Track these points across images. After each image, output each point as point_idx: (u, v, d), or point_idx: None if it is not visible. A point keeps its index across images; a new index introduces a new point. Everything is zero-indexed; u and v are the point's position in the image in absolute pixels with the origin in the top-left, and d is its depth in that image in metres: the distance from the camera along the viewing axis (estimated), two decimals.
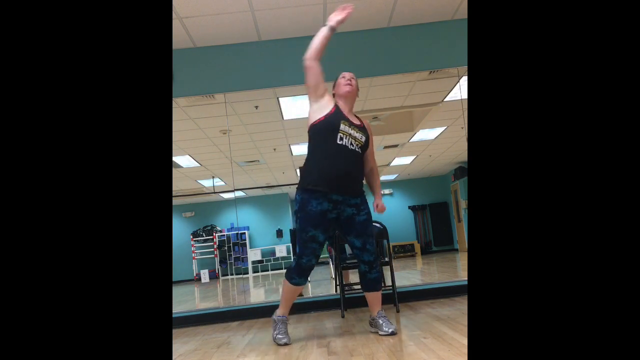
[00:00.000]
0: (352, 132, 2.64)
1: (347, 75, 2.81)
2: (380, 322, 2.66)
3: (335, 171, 2.58)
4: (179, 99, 4.10)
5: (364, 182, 2.84)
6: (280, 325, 2.72)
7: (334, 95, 2.82)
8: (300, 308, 3.81)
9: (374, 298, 2.74)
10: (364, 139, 2.68)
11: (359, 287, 3.84)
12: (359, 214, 2.67)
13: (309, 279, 2.80)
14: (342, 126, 2.61)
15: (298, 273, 2.68)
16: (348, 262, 3.70)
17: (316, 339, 2.74)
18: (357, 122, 2.74)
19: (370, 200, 2.80)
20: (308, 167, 2.65)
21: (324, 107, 2.68)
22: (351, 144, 2.62)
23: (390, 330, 2.60)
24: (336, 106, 2.70)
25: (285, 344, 2.64)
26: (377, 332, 2.68)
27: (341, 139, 2.60)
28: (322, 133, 2.63)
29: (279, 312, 2.77)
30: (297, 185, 2.68)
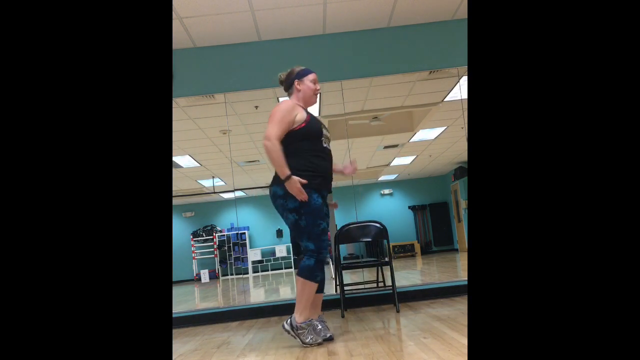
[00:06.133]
0: (328, 134, 2.80)
1: (317, 83, 2.76)
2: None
3: (327, 173, 2.70)
4: (179, 99, 4.10)
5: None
6: (310, 329, 2.55)
7: (289, 93, 2.77)
8: None
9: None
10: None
11: (357, 287, 3.84)
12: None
13: None
14: (324, 131, 2.74)
15: (320, 268, 2.61)
16: (344, 262, 3.70)
17: None
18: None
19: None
20: (299, 166, 2.57)
21: (299, 120, 2.65)
22: (328, 145, 2.77)
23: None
24: (309, 114, 2.70)
25: (330, 337, 2.58)
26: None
27: (324, 142, 2.72)
28: (307, 137, 2.62)
29: (300, 319, 2.56)
30: (274, 182, 2.62)
